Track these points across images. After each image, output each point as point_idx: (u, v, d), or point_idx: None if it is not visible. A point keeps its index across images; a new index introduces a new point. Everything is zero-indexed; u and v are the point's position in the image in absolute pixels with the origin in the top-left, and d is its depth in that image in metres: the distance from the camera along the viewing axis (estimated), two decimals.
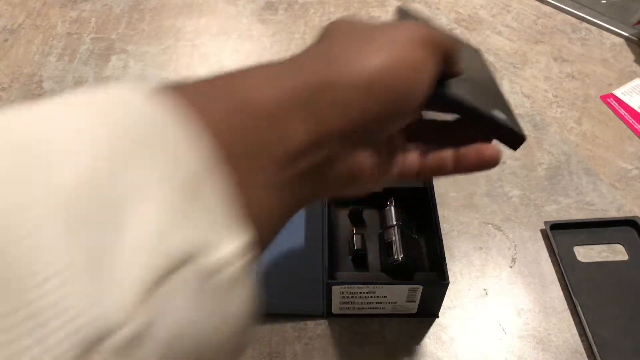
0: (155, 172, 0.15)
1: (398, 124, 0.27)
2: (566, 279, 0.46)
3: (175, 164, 0.16)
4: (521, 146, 0.30)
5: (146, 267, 0.14)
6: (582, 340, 0.43)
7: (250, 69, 0.23)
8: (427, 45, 0.26)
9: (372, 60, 0.24)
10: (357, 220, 0.49)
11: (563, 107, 0.61)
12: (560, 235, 0.49)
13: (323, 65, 0.24)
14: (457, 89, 0.29)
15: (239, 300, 0.17)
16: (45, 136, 0.15)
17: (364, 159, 0.26)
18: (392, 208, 0.46)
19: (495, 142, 0.30)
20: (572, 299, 0.45)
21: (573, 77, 0.65)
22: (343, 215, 0.49)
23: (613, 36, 0.70)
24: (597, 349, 0.42)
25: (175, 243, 0.15)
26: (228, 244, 0.16)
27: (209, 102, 0.20)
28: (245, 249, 0.17)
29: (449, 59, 0.28)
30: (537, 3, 0.75)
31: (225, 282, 0.16)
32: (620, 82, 0.64)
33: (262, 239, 0.20)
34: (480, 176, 0.55)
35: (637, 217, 0.50)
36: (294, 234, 0.48)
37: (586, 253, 0.48)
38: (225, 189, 0.17)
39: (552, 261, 0.48)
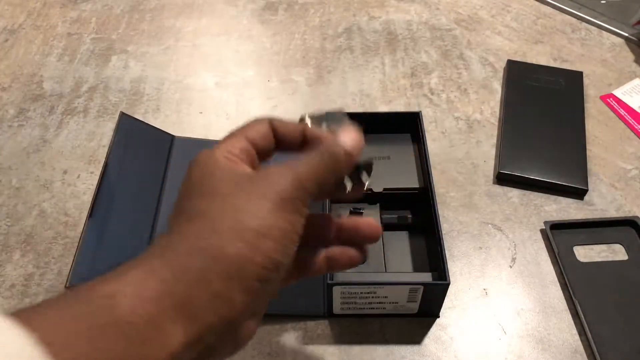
0: None
1: (276, 285, 0.28)
2: (566, 279, 0.46)
3: None
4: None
5: None
6: (582, 340, 0.44)
7: (111, 275, 0.22)
8: (291, 203, 0.26)
9: (243, 243, 0.24)
10: None
11: None
12: (560, 235, 0.49)
13: (196, 257, 0.23)
14: None
15: None
16: None
17: (252, 323, 0.28)
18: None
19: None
20: (572, 299, 0.45)
21: None
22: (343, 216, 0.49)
23: (613, 36, 0.70)
24: (597, 348, 0.42)
25: None
26: None
27: (63, 327, 0.20)
28: None
29: (324, 187, 0.28)
30: (537, 3, 0.75)
31: None
32: (620, 82, 0.64)
33: None
34: (480, 176, 0.55)
35: (636, 217, 0.50)
36: None
37: (586, 253, 0.49)
38: None
39: (552, 261, 0.48)
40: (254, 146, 0.29)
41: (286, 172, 0.26)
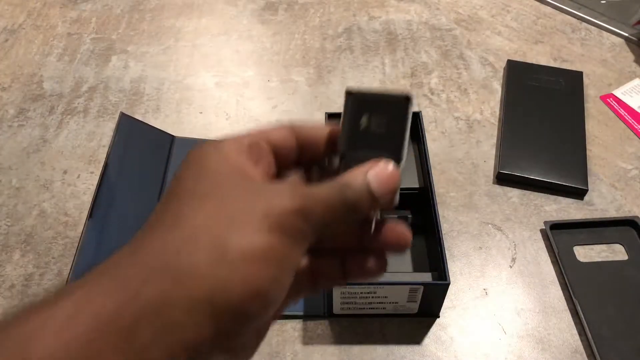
0: None
1: (265, 318, 0.22)
2: (566, 279, 0.46)
3: None
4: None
5: None
6: (581, 340, 0.44)
7: (40, 305, 0.18)
8: (289, 227, 0.21)
9: (224, 264, 0.19)
10: None
11: None
12: (560, 235, 0.49)
13: (154, 280, 0.19)
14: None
15: None
16: None
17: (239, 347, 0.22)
18: None
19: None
20: (572, 298, 0.45)
21: None
22: None
23: (613, 36, 0.70)
24: (597, 348, 0.42)
25: None
26: None
27: None
28: None
29: (335, 224, 0.23)
30: (537, 3, 0.75)
31: None
32: (620, 82, 0.64)
33: None
34: (480, 176, 0.55)
35: (636, 217, 0.50)
36: None
37: (586, 253, 0.49)
38: None
39: (552, 261, 0.48)
40: (273, 148, 0.25)
41: (291, 192, 0.22)
